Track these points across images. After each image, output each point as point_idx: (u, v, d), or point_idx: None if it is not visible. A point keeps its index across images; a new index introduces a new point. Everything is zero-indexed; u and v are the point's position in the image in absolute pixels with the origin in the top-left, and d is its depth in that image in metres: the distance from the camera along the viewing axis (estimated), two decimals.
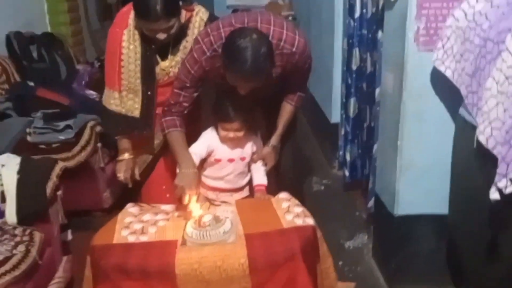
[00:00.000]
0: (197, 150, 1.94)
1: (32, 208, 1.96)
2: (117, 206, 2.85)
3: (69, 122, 2.49)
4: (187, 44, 1.96)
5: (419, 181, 1.97)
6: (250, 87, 1.74)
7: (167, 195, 2.08)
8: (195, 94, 1.92)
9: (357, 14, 2.64)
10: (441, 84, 1.80)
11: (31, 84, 2.80)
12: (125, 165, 2.06)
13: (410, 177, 1.96)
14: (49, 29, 3.96)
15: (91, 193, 2.73)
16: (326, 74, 3.41)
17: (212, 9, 5.63)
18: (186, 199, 1.79)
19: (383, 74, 2.12)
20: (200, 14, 1.99)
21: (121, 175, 2.06)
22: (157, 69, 1.99)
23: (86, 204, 2.76)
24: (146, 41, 1.93)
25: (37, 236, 1.88)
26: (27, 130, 2.49)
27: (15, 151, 2.39)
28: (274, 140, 2.03)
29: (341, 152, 3.09)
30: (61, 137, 2.48)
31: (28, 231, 1.89)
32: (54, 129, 2.48)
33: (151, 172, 2.17)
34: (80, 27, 4.37)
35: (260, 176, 2.03)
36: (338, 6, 3.16)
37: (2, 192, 1.96)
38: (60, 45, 3.45)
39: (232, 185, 2.03)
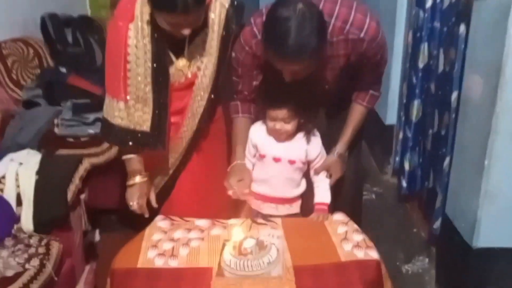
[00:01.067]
0: (247, 150, 1.68)
1: (50, 214, 1.73)
2: (149, 206, 2.65)
3: (100, 115, 2.20)
4: (207, 37, 1.59)
5: (507, 210, 1.59)
6: (295, 71, 1.39)
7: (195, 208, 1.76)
8: (254, 83, 1.62)
9: (428, 3, 2.23)
10: None
11: (63, 70, 2.56)
12: (138, 190, 1.69)
13: (497, 206, 1.59)
14: (88, 12, 3.76)
15: (121, 191, 2.46)
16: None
17: None
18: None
19: (467, 77, 1.72)
20: (220, 0, 1.60)
21: (133, 203, 1.69)
22: (172, 70, 1.61)
23: (115, 202, 2.51)
24: (158, 36, 1.55)
25: (55, 247, 1.64)
26: (55, 121, 2.25)
27: (40, 143, 2.19)
28: (340, 147, 1.68)
29: (397, 158, 2.70)
30: (91, 130, 2.23)
31: (44, 241, 1.65)
32: (83, 121, 2.23)
33: (168, 194, 1.81)
34: None
35: (322, 191, 1.67)
36: None
37: (19, 195, 1.71)
38: (98, 29, 3.20)
39: (278, 193, 1.69)
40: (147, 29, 1.53)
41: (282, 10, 1.30)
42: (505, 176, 1.57)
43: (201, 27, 1.57)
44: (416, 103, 2.43)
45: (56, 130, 2.24)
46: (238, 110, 1.68)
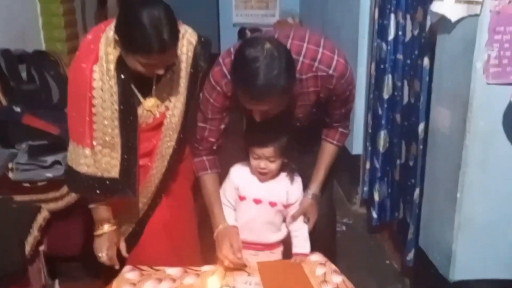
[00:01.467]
0: (227, 193, 1.62)
1: (6, 269, 1.58)
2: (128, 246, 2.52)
3: (58, 157, 2.09)
4: (174, 75, 1.54)
5: (482, 243, 1.60)
6: (264, 111, 1.37)
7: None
8: (222, 127, 1.58)
9: (390, 36, 2.29)
10: None
11: (17, 109, 2.41)
12: (107, 241, 1.58)
13: (472, 238, 1.60)
14: (43, 46, 3.62)
15: (83, 236, 2.33)
16: None
17: (217, 27, 5.32)
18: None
19: (435, 109, 1.75)
20: (187, 36, 1.56)
21: (103, 255, 1.58)
22: (139, 111, 1.54)
23: (77, 249, 2.37)
24: (125, 76, 1.48)
25: None
26: (9, 165, 2.11)
27: None
28: (314, 188, 1.65)
29: (365, 189, 2.71)
30: (49, 174, 2.09)
31: None
32: (40, 165, 2.09)
33: (136, 241, 1.70)
34: (77, 44, 4.00)
35: (301, 241, 1.62)
36: (362, 26, 2.81)
37: None
38: (54, 64, 3.08)
39: (258, 238, 1.63)
40: (112, 70, 1.46)
41: (250, 51, 1.28)
42: (478, 207, 1.58)
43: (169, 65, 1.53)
44: (382, 133, 2.46)
45: (10, 175, 2.08)
46: (206, 166, 1.62)
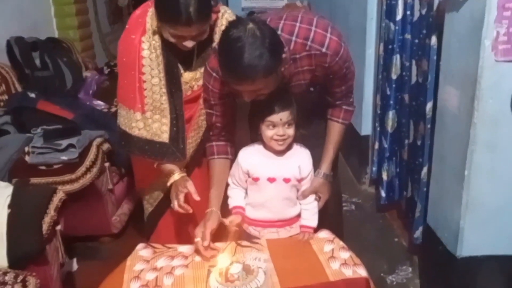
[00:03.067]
0: (236, 178, 1.61)
1: (25, 249, 1.61)
2: (127, 231, 2.56)
3: (73, 140, 2.13)
4: (212, 51, 1.58)
5: (489, 221, 1.59)
6: (253, 91, 1.35)
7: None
8: (227, 111, 1.58)
9: (398, 16, 2.25)
10: None
11: (32, 95, 2.45)
12: (175, 189, 1.60)
13: (480, 215, 1.59)
14: (56, 34, 3.64)
15: (98, 217, 2.39)
16: (356, 82, 3.01)
17: None
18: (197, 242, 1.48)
19: (443, 88, 1.73)
20: (226, 16, 1.63)
21: (174, 204, 1.58)
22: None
23: (93, 229, 2.43)
24: (168, 48, 1.56)
25: (32, 283, 1.54)
26: (26, 149, 2.14)
27: (11, 173, 2.09)
28: (325, 168, 1.63)
29: (374, 169, 2.70)
30: (64, 157, 2.12)
31: (20, 278, 1.54)
32: (55, 148, 2.12)
33: (159, 217, 1.78)
34: (89, 31, 4.03)
35: (309, 215, 1.62)
36: (371, 7, 2.76)
37: None
38: (67, 51, 3.11)
39: (277, 215, 1.61)
40: (158, 42, 1.55)
41: (233, 31, 1.27)
42: (485, 185, 1.57)
43: (209, 42, 1.59)
44: (391, 113, 2.44)
45: (27, 158, 2.13)
46: (214, 151, 1.62)
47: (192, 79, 1.63)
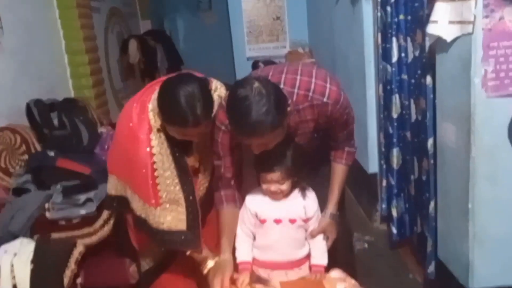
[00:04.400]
0: (246, 221, 1.65)
1: None
2: (143, 281, 2.57)
3: (90, 194, 2.19)
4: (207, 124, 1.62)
5: (498, 252, 1.60)
6: (261, 144, 1.43)
7: None
8: (235, 162, 1.65)
9: (394, 58, 2.34)
10: None
11: (51, 154, 2.53)
12: (215, 275, 1.59)
13: (487, 247, 1.60)
14: (72, 94, 3.80)
15: (116, 268, 2.40)
16: (359, 123, 3.05)
17: (232, 61, 5.48)
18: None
19: (441, 125, 1.78)
20: (217, 92, 1.67)
21: None
22: None
23: (111, 280, 2.43)
24: (173, 140, 1.60)
25: None
26: (46, 205, 2.21)
27: (32, 229, 2.13)
28: (331, 208, 1.68)
29: (384, 206, 2.71)
30: (82, 211, 2.18)
31: None
32: (74, 203, 2.19)
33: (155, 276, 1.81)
34: (103, 89, 4.20)
35: (319, 254, 1.65)
36: (368, 50, 2.87)
37: (15, 286, 1.65)
38: (82, 109, 3.23)
39: (285, 257, 1.64)
40: (164, 136, 1.59)
41: (240, 90, 1.34)
42: (489, 216, 1.58)
43: None
44: (395, 151, 2.48)
45: (47, 214, 2.19)
46: (223, 200, 1.68)
47: (195, 161, 1.69)
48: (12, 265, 1.66)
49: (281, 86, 1.47)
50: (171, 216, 1.60)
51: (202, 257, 1.65)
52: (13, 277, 1.65)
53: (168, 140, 1.60)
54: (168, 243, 1.62)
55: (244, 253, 1.65)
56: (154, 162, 1.57)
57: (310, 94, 1.48)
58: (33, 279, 1.65)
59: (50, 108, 2.93)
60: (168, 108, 1.47)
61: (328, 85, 1.49)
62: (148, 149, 1.57)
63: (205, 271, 1.63)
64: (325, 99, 1.48)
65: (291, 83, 1.49)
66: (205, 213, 1.80)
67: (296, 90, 1.49)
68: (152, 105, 1.58)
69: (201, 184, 1.76)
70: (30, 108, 2.84)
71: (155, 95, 1.56)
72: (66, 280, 1.68)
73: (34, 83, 3.19)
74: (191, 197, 1.62)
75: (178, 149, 1.63)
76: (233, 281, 1.57)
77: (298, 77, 1.49)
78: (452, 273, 1.78)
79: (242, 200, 1.69)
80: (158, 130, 1.58)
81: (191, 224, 1.61)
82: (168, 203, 1.60)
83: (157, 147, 1.58)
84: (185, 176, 1.63)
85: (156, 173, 1.58)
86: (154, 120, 1.58)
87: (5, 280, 1.64)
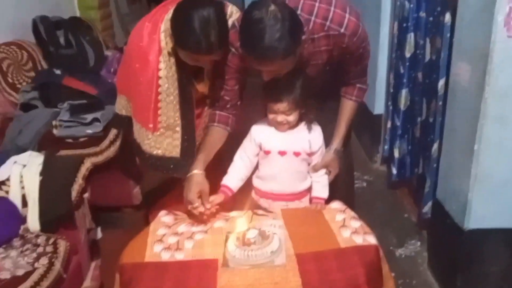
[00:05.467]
0: (247, 150, 1.65)
1: (56, 213, 1.71)
2: (146, 203, 2.65)
3: (97, 115, 2.20)
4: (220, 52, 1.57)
5: (497, 193, 1.62)
6: (272, 71, 1.40)
7: None
8: (236, 87, 1.61)
9: None
10: None
11: (58, 72, 2.52)
12: (195, 185, 1.52)
13: (487, 188, 1.62)
14: (77, 13, 3.70)
15: (120, 188, 2.46)
16: (370, 61, 3.01)
17: None
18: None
19: (455, 64, 1.74)
20: (233, 18, 1.59)
21: (186, 196, 1.53)
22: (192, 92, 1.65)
23: (115, 200, 2.50)
24: (182, 64, 1.55)
25: (62, 245, 1.63)
26: (53, 122, 2.22)
27: (40, 145, 2.16)
28: (336, 143, 1.67)
29: (386, 147, 2.73)
30: (89, 131, 2.20)
31: (52, 240, 1.64)
32: (81, 122, 2.20)
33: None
34: (109, 11, 4.09)
35: (320, 187, 1.67)
36: None
37: (24, 196, 1.70)
38: (88, 30, 3.17)
39: (287, 188, 1.66)
40: (173, 59, 1.54)
41: (255, 12, 1.29)
42: (494, 159, 1.59)
43: None
44: (404, 92, 2.45)
45: (54, 131, 2.21)
46: (215, 119, 1.64)
47: (204, 88, 1.65)
48: (21, 176, 1.71)
49: (298, 11, 1.41)
50: (166, 142, 1.60)
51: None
52: (22, 188, 1.70)
53: (178, 64, 1.55)
54: (159, 168, 1.63)
55: (230, 178, 1.64)
56: (159, 86, 1.54)
57: (327, 23, 1.42)
58: (41, 190, 1.70)
59: (56, 26, 2.87)
60: (181, 32, 1.42)
61: (347, 15, 1.42)
62: (155, 72, 1.54)
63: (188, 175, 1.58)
64: (342, 30, 1.42)
65: (309, 9, 1.42)
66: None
67: (313, 18, 1.42)
68: (164, 26, 1.52)
69: (208, 113, 1.73)
70: (37, 24, 2.79)
71: (168, 15, 1.51)
72: (73, 194, 1.73)
73: (38, 0, 3.09)
74: (189, 126, 1.61)
75: (186, 74, 1.59)
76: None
77: (317, 4, 1.43)
78: (448, 213, 1.82)
79: (234, 126, 1.67)
80: (168, 53, 1.53)
81: (185, 151, 1.60)
82: (165, 128, 1.58)
83: (164, 70, 1.54)
84: (187, 104, 1.60)
85: (159, 97, 1.55)
86: (165, 42, 1.52)
87: (14, 190, 1.69)
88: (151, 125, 1.57)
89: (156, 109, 1.56)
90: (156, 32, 1.53)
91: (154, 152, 1.60)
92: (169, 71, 1.54)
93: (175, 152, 1.60)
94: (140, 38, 1.56)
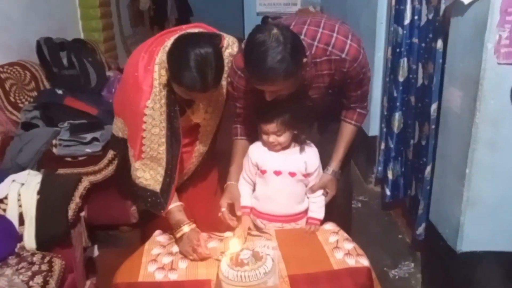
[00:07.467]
0: (247, 170, 1.65)
1: (52, 232, 1.69)
2: (143, 222, 2.62)
3: (96, 134, 2.20)
4: (215, 90, 1.52)
5: (489, 217, 1.61)
6: (274, 91, 1.40)
7: None
8: (247, 105, 1.64)
9: (407, 21, 2.27)
10: None
11: (60, 92, 2.53)
12: (189, 241, 1.49)
13: (479, 211, 1.60)
14: (82, 35, 3.74)
15: (118, 207, 2.44)
16: None
17: (242, 15, 5.34)
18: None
19: (447, 89, 1.75)
20: (229, 50, 1.60)
21: (194, 256, 1.47)
22: (183, 123, 1.61)
23: (112, 218, 2.48)
24: (173, 97, 1.52)
25: (57, 264, 1.60)
26: (53, 141, 2.22)
27: (40, 163, 2.15)
28: (334, 165, 1.66)
29: (380, 168, 2.72)
30: (88, 150, 2.20)
31: (47, 259, 1.61)
32: (80, 141, 2.20)
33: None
34: (112, 33, 4.12)
35: (316, 207, 1.65)
36: (381, 12, 2.78)
37: (21, 214, 1.68)
38: (91, 51, 3.19)
39: (283, 210, 1.64)
40: (164, 92, 1.50)
41: (258, 35, 1.31)
42: (485, 183, 1.58)
43: None
44: (397, 115, 2.46)
45: (54, 150, 2.20)
46: (237, 132, 1.70)
47: (200, 117, 1.65)
48: (19, 194, 1.69)
49: (302, 37, 1.42)
50: (149, 174, 1.55)
51: (177, 219, 1.55)
52: (20, 206, 1.68)
53: (169, 97, 1.52)
54: (138, 199, 1.59)
55: (244, 200, 1.66)
56: (144, 115, 1.50)
57: (330, 48, 1.44)
58: (38, 208, 1.68)
59: (60, 47, 2.89)
60: (178, 69, 1.38)
61: (348, 41, 1.44)
62: (144, 101, 1.50)
63: (178, 235, 1.53)
64: (343, 55, 1.44)
65: (312, 35, 1.44)
66: (201, 185, 1.83)
67: (315, 43, 1.44)
68: (159, 58, 1.49)
69: (201, 138, 1.73)
70: (41, 45, 2.81)
71: (164, 48, 1.48)
72: (70, 212, 1.71)
73: (44, 21, 3.13)
74: (173, 160, 1.56)
75: (180, 107, 1.56)
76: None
77: (320, 30, 1.45)
78: (441, 235, 1.80)
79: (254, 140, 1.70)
80: (160, 85, 1.49)
81: (165, 188, 1.55)
82: (149, 160, 1.55)
83: (151, 101, 1.49)
84: (174, 139, 1.56)
85: (143, 126, 1.50)
86: (158, 74, 1.49)
87: (12, 208, 1.67)
88: (135, 153, 1.54)
89: (141, 138, 1.52)
90: (151, 64, 1.50)
91: (137, 181, 1.57)
92: (156, 102, 1.50)
93: (156, 186, 1.55)
94: (135, 68, 1.53)
